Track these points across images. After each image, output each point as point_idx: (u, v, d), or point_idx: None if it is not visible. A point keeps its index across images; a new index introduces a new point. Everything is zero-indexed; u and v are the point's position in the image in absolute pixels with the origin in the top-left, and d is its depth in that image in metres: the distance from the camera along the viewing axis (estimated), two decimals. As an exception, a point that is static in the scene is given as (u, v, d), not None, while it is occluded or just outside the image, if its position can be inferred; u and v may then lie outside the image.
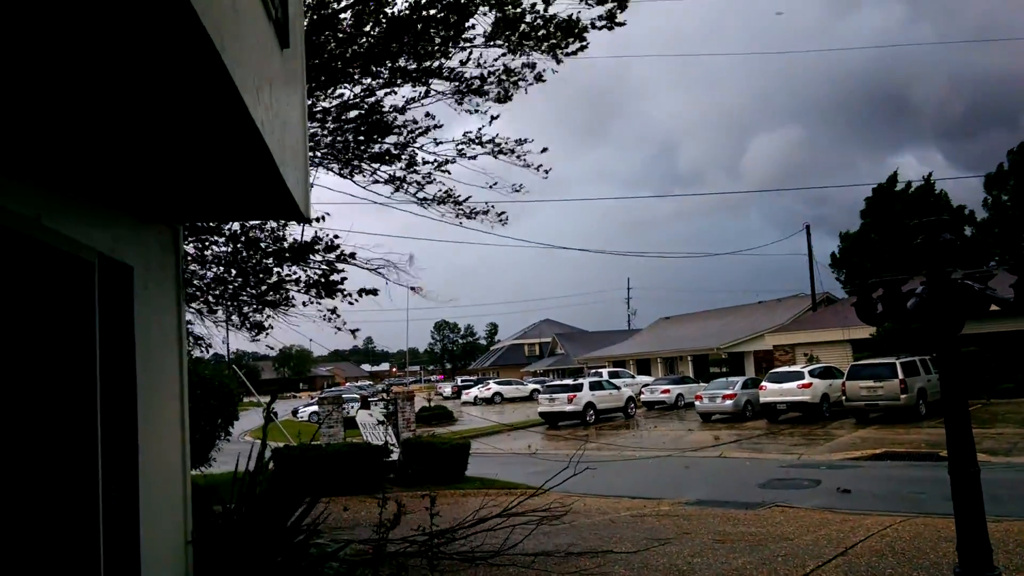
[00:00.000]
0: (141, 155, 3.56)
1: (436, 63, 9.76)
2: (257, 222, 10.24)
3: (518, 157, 10.87)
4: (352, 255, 10.67)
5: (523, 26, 9.72)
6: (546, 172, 11.18)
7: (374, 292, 11.04)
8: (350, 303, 11.21)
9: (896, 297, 3.69)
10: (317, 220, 10.23)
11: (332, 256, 10.58)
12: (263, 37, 3.54)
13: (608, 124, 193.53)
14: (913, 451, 17.35)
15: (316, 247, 10.43)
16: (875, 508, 11.02)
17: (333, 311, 11.27)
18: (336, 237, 10.50)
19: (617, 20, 9.91)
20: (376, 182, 10.85)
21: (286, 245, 10.47)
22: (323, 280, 10.78)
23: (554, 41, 9.96)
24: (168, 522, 4.44)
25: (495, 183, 11.02)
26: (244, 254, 10.50)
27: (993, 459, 14.96)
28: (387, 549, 8.42)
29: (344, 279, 10.78)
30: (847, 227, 56.51)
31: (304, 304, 11.41)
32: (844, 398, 25.00)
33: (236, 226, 10.28)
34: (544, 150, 10.97)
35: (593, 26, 9.93)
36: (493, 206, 11.32)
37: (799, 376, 27.05)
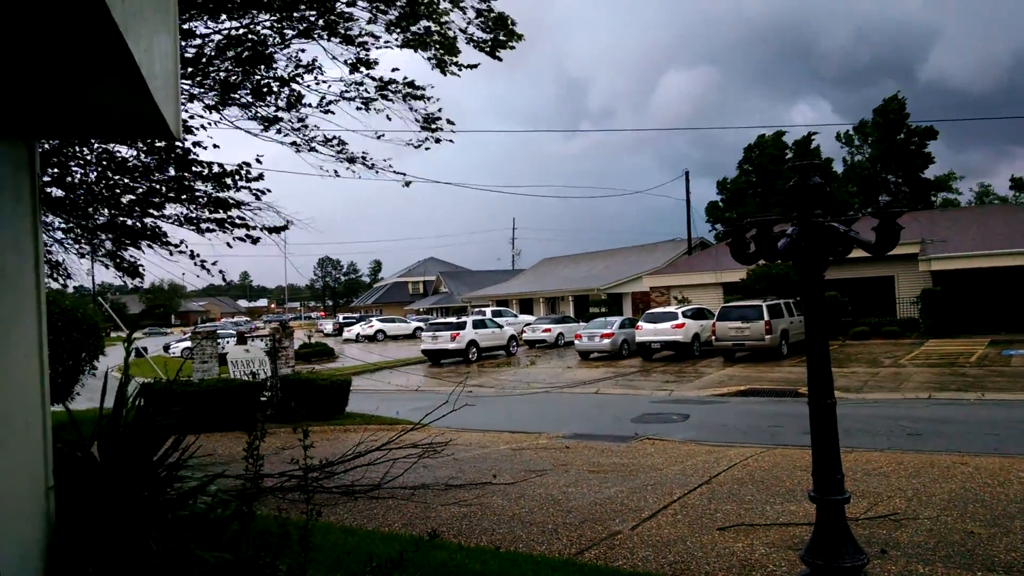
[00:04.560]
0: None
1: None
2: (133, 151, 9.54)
3: (413, 100, 10.31)
4: (262, 192, 10.10)
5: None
6: (437, 121, 10.64)
7: (280, 230, 10.59)
8: (255, 240, 10.68)
9: (768, 237, 3.84)
10: (196, 146, 9.63)
11: (244, 191, 10.00)
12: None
13: (520, 58, 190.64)
14: (775, 388, 18.47)
15: (236, 176, 9.79)
16: (738, 440, 11.68)
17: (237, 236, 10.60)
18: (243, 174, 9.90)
19: None
20: (251, 118, 10.18)
21: (204, 172, 9.76)
22: (222, 217, 10.25)
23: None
24: (25, 462, 4.18)
25: (381, 135, 10.57)
26: (118, 180, 9.76)
27: (847, 395, 16.11)
28: (264, 484, 8.29)
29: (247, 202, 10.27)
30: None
31: (182, 246, 10.77)
32: (714, 338, 26.23)
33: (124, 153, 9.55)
34: (439, 108, 10.49)
35: None
36: (373, 158, 10.88)
37: (673, 317, 28.15)
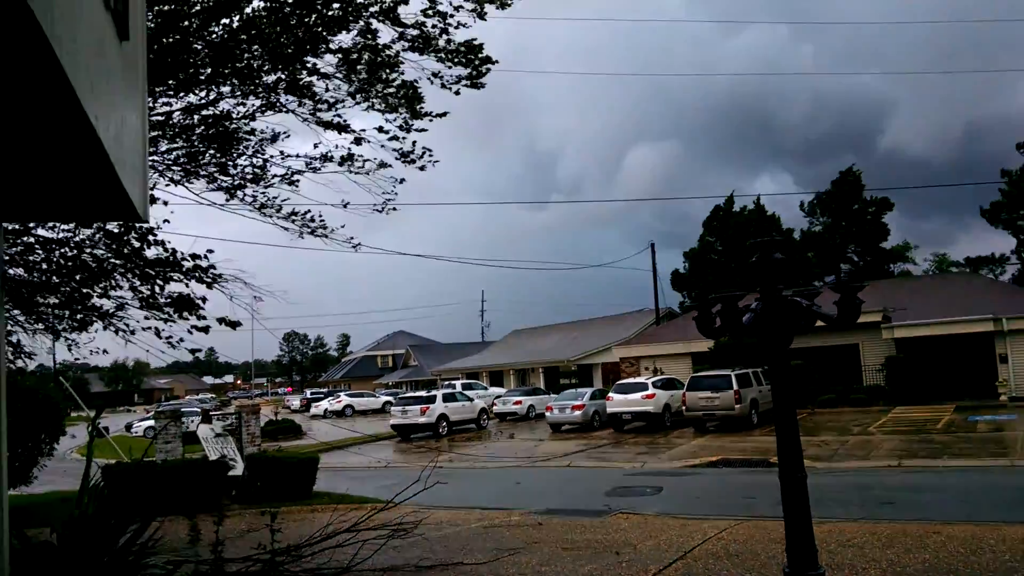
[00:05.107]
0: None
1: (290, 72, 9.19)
2: (93, 230, 9.53)
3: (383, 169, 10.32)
4: (216, 277, 10.09)
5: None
6: (396, 185, 10.65)
7: (235, 324, 10.46)
8: (204, 329, 10.51)
9: (733, 312, 3.91)
10: (157, 229, 9.65)
11: (196, 275, 9.98)
12: (99, 26, 3.30)
13: (489, 137, 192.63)
14: (746, 458, 18.43)
15: (182, 263, 9.76)
16: (712, 513, 11.59)
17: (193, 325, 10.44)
18: (199, 256, 9.90)
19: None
20: (216, 190, 10.20)
21: (147, 257, 9.73)
22: (180, 300, 10.16)
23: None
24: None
25: (347, 203, 10.57)
26: (79, 262, 9.71)
27: (818, 464, 16.12)
28: (227, 569, 8.03)
29: (203, 299, 10.21)
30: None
31: (144, 328, 10.68)
32: (684, 408, 26.22)
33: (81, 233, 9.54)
34: (402, 181, 10.56)
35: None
36: (344, 226, 10.85)
37: (643, 387, 28.14)
